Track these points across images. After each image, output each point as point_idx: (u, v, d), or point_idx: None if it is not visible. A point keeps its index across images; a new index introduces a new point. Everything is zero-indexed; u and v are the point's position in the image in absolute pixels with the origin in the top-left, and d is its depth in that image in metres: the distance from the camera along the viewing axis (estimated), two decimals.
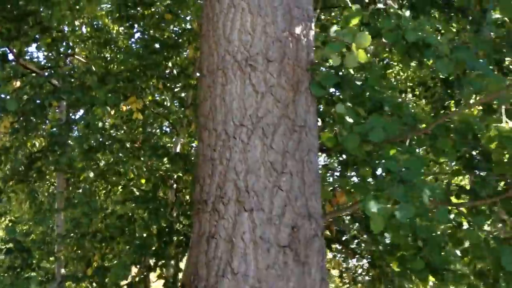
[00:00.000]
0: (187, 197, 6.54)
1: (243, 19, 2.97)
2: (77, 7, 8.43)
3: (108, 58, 7.41)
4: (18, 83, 8.26)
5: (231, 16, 3.00)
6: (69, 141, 6.01)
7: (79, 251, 6.79)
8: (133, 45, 7.41)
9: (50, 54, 8.13)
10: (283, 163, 2.73)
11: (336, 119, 3.41)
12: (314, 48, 3.13)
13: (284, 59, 2.92)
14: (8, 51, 6.76)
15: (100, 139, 6.28)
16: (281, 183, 2.68)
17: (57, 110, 8.59)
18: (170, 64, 6.65)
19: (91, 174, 6.81)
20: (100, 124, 6.79)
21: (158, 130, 8.02)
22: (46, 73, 7.23)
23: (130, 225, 5.88)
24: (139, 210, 6.34)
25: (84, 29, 9.12)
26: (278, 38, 2.94)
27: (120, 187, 7.20)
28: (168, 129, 8.05)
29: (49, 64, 8.49)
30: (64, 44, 7.41)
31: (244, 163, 2.71)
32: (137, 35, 7.15)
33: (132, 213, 6.75)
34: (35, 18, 6.44)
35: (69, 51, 8.00)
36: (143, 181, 6.91)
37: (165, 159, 7.05)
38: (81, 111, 7.06)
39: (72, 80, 6.37)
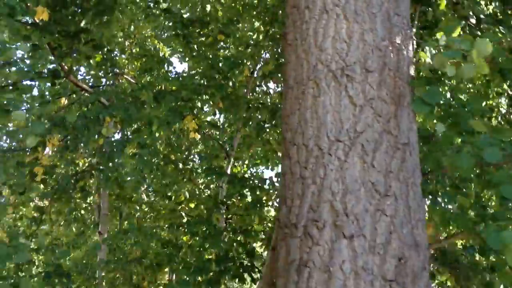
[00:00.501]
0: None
1: (337, 25, 2.71)
2: (128, 27, 8.37)
3: (159, 77, 7.27)
4: (66, 101, 8.19)
5: (324, 22, 2.74)
6: (121, 160, 5.80)
7: (122, 277, 6.53)
8: (194, 64, 7.27)
9: (99, 73, 8.06)
10: (387, 184, 2.41)
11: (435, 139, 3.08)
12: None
13: (385, 70, 2.63)
14: (60, 68, 6.67)
15: (154, 159, 6.07)
16: (384, 207, 2.36)
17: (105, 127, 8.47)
18: (230, 84, 6.44)
19: (144, 197, 6.59)
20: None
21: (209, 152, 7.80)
22: (96, 91, 7.12)
23: (177, 251, 5.60)
24: (186, 236, 6.06)
25: (133, 50, 9.07)
26: (378, 46, 2.67)
27: (166, 211, 6.95)
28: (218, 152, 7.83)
29: (98, 83, 8.42)
30: (113, 63, 7.34)
31: (341, 182, 2.41)
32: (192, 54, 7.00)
33: (177, 239, 6.47)
34: (88, 36, 6.36)
35: (117, 70, 7.93)
36: (192, 205, 6.64)
37: (213, 184, 6.80)
38: (132, 128, 6.89)
39: (124, 97, 6.21)
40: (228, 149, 8.25)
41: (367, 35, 2.67)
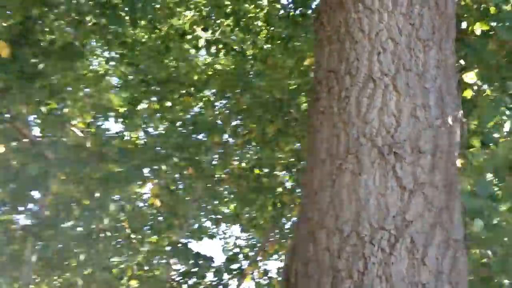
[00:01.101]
0: None
1: (386, 97, 2.37)
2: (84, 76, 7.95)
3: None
4: (2, 149, 7.50)
5: (369, 92, 2.41)
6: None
7: None
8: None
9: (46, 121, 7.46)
10: (437, 287, 2.00)
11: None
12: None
13: (437, 153, 2.29)
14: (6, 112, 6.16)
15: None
16: None
17: None
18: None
19: None
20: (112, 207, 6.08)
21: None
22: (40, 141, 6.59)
23: None
24: None
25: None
26: (430, 125, 2.33)
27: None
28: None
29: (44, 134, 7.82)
30: (64, 112, 6.93)
31: (386, 280, 1.98)
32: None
33: None
34: (44, 81, 5.88)
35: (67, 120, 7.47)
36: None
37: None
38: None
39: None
40: (182, 220, 7.78)
41: (419, 111, 2.34)
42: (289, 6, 7.39)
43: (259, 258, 7.84)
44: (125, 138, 7.48)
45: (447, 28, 2.62)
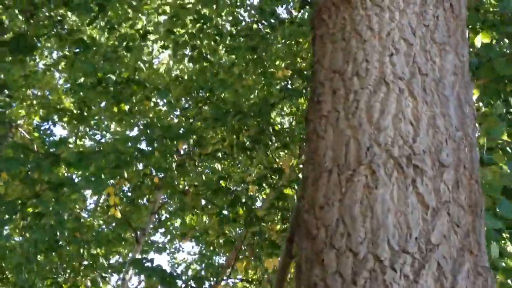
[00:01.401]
0: None
1: (401, 102, 2.11)
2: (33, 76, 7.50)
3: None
4: None
5: (382, 96, 2.14)
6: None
7: None
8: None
9: None
10: None
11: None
12: None
13: (460, 168, 2.03)
14: None
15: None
16: None
17: None
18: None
19: None
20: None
21: None
22: None
23: None
24: None
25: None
26: (452, 137, 2.08)
27: None
28: None
29: None
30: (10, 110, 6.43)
31: None
32: None
33: None
34: None
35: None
36: None
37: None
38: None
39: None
40: (139, 233, 7.35)
41: (439, 120, 2.08)
42: (255, 19, 7.16)
43: (225, 276, 7.46)
44: (73, 142, 6.99)
45: (461, 33, 2.40)
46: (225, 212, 5.95)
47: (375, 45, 2.26)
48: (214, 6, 6.95)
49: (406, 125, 2.05)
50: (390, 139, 2.03)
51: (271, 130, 6.10)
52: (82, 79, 7.19)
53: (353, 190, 1.96)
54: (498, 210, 2.14)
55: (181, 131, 5.51)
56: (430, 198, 1.90)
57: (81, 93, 6.51)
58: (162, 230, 8.40)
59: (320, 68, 2.39)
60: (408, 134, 2.03)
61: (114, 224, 6.84)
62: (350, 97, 2.20)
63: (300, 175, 6.46)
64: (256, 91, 6.69)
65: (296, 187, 6.25)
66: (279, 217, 6.40)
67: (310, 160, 2.22)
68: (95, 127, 7.05)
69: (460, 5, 2.48)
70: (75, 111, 6.59)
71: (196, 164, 6.68)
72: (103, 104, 6.89)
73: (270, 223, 6.31)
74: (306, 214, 2.09)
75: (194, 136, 5.78)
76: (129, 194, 6.28)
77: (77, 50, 5.96)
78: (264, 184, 6.04)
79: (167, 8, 7.10)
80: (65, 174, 5.92)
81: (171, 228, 8.26)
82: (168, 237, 8.60)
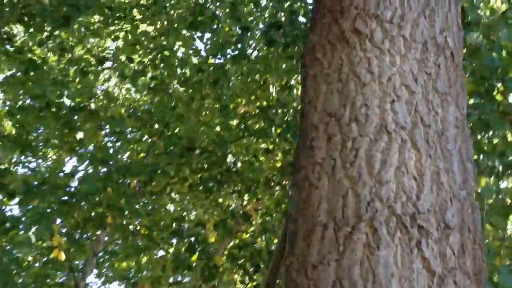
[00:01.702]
0: None
1: (404, 154, 1.94)
2: None
3: None
4: None
5: (384, 145, 1.96)
6: None
7: None
8: None
9: None
10: None
11: None
12: None
13: (464, 230, 1.86)
14: None
15: None
16: None
17: None
18: None
19: None
20: None
21: None
22: None
23: None
24: None
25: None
26: (456, 195, 1.92)
27: None
28: None
29: None
30: None
31: None
32: None
33: None
34: None
35: None
36: None
37: None
38: None
39: None
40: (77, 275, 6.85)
41: (443, 176, 1.92)
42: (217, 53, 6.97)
43: None
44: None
45: (461, 84, 2.28)
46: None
47: (375, 90, 2.10)
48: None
49: (410, 180, 1.88)
50: (392, 194, 1.84)
51: (234, 171, 5.86)
52: (26, 101, 6.75)
53: (352, 249, 1.75)
54: (500, 279, 1.99)
55: (134, 167, 5.18)
56: (436, 263, 1.72)
57: (18, 116, 6.05)
58: (104, 272, 7.84)
59: (313, 110, 2.20)
60: (412, 190, 1.86)
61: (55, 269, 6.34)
62: (348, 144, 2.01)
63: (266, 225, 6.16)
64: (214, 127, 6.47)
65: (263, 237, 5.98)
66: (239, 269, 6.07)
67: (300, 211, 2.00)
68: (39, 154, 6.57)
69: (459, 55, 2.38)
70: (15, 135, 6.12)
71: (147, 202, 6.33)
72: (48, 130, 6.45)
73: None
74: (296, 273, 1.85)
75: (147, 171, 5.45)
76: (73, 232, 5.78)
77: (27, 70, 5.59)
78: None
79: (124, 34, 6.85)
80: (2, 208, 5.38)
81: (107, 272, 7.72)
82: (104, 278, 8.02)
